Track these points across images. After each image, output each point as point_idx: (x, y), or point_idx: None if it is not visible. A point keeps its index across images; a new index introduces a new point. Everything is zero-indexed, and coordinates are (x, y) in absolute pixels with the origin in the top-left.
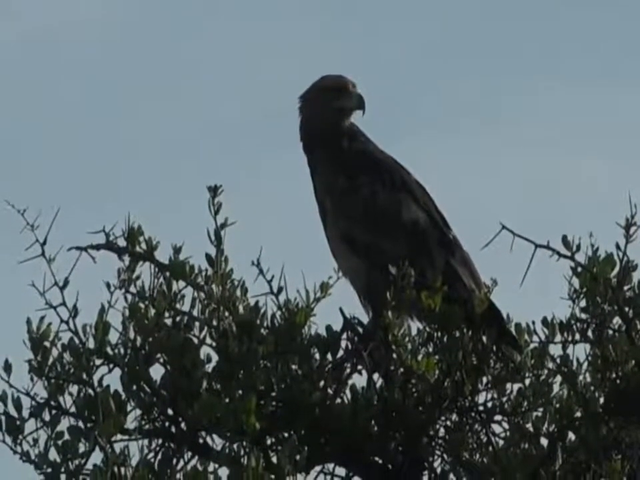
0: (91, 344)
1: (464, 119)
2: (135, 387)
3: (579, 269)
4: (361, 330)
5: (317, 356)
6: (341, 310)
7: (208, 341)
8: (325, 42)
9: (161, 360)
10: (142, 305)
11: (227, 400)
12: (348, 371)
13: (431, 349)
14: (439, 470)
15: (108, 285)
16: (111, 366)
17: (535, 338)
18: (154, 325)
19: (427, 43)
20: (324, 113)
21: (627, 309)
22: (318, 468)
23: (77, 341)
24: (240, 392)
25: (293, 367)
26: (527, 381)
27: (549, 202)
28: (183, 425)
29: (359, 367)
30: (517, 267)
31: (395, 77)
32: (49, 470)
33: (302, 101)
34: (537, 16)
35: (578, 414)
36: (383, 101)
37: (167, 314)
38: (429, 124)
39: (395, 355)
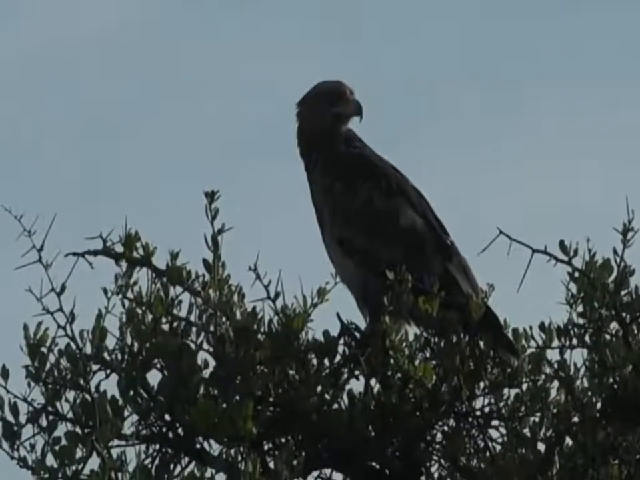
0: (88, 349)
1: (463, 128)
2: (132, 393)
3: (576, 274)
4: (358, 335)
5: (314, 361)
6: (338, 315)
7: (205, 346)
8: (324, 45)
9: (158, 365)
10: (139, 311)
11: (224, 405)
12: (345, 376)
13: (428, 354)
14: (436, 475)
15: (105, 291)
16: (108, 371)
17: (532, 343)
18: (151, 331)
19: (427, 57)
20: (321, 118)
21: (624, 314)
22: (315, 473)
23: (74, 346)
24: (237, 397)
25: (290, 372)
26: (524, 386)
27: (546, 207)
28: (180, 430)
29: (356, 372)
30: (514, 272)
31: (393, 84)
32: (46, 476)
33: (299, 106)
34: (533, 32)
35: (575, 419)
36: (380, 107)
37: (164, 319)
38: (427, 132)
39: (392, 360)
